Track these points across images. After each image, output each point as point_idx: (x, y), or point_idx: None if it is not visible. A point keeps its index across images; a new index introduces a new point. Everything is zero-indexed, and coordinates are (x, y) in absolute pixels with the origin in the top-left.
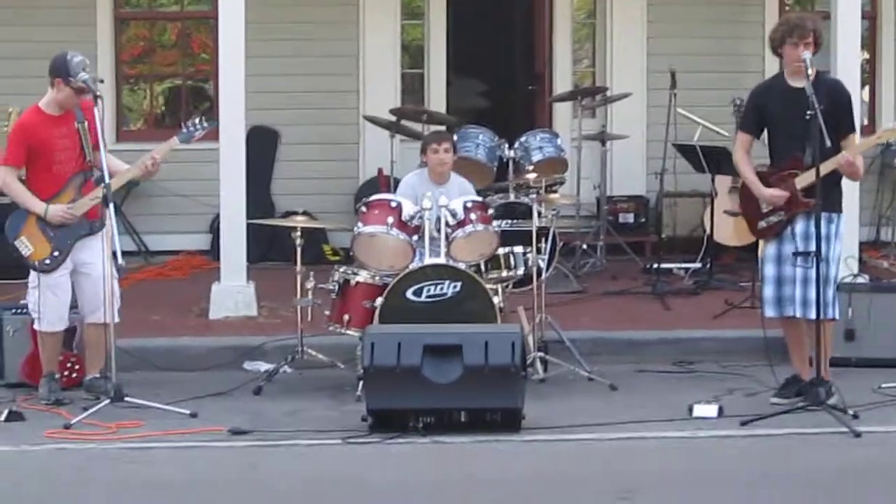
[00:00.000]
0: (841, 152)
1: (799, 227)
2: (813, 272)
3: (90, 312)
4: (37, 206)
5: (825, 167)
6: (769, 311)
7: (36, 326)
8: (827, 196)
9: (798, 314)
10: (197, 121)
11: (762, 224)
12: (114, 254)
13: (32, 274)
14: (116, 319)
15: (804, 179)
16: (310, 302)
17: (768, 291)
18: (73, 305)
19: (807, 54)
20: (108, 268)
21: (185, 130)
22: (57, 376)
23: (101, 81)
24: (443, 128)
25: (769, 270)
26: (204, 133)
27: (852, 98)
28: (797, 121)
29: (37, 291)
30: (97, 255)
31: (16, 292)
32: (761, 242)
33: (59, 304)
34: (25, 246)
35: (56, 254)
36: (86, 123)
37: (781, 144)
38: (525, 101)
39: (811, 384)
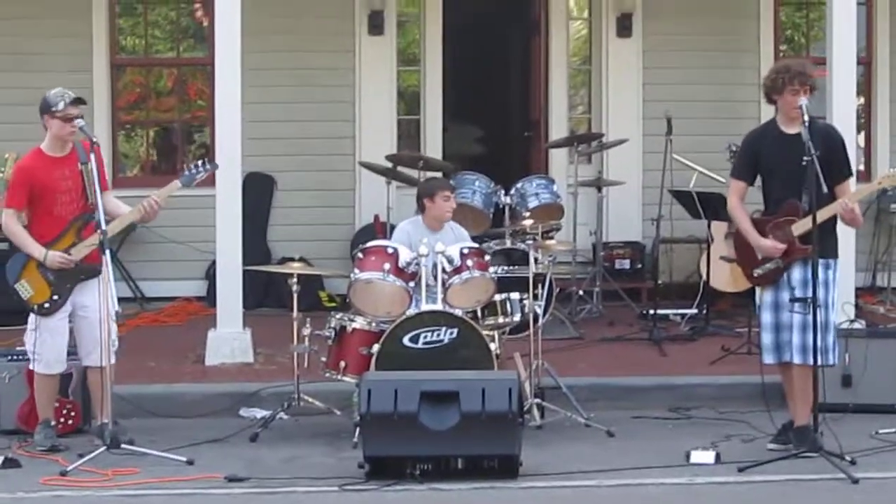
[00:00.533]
0: (837, 199)
1: (796, 273)
2: (810, 318)
3: (86, 355)
4: (36, 250)
5: (823, 213)
6: (767, 359)
7: (33, 367)
8: (824, 242)
9: (797, 360)
10: (199, 164)
11: (758, 271)
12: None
13: (32, 316)
14: (112, 361)
15: (802, 226)
16: (306, 348)
17: (766, 338)
18: (72, 351)
19: (803, 100)
20: (104, 311)
21: (186, 173)
22: (53, 423)
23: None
24: (439, 174)
25: (766, 317)
26: (206, 176)
27: (846, 143)
28: (792, 167)
29: (35, 334)
30: (96, 299)
31: (11, 338)
32: (758, 289)
33: (57, 346)
34: (25, 289)
35: (55, 297)
36: (89, 164)
37: (776, 191)
38: (521, 148)
39: (806, 430)
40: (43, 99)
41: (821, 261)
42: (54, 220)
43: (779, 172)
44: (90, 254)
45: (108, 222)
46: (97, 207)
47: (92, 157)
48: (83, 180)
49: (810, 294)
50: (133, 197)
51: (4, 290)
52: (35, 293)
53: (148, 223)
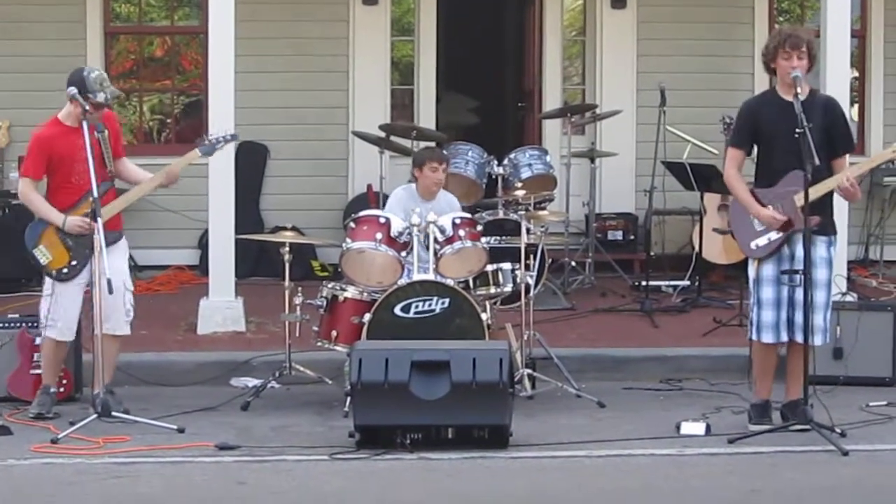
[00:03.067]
0: (835, 172)
1: (799, 248)
2: (819, 297)
3: (102, 321)
4: (55, 216)
5: (825, 185)
6: (766, 337)
7: (44, 334)
8: (826, 218)
9: (799, 339)
10: (220, 135)
11: (756, 243)
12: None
13: (48, 282)
14: (127, 331)
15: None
16: (298, 317)
17: (767, 315)
18: None
19: (797, 71)
20: (103, 281)
21: (206, 143)
22: (52, 390)
23: (119, 96)
24: (433, 144)
25: (767, 293)
26: (225, 146)
27: (847, 116)
28: (793, 136)
29: (50, 299)
30: (113, 266)
31: (5, 304)
32: (752, 262)
33: (70, 314)
34: (44, 254)
35: (74, 263)
36: (106, 133)
37: (776, 159)
38: (514, 118)
39: (797, 403)
40: (82, 75)
41: (823, 238)
42: (72, 188)
43: (779, 141)
44: (109, 221)
45: (128, 188)
46: (120, 174)
47: (85, 126)
48: (101, 148)
49: (810, 269)
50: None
51: (1, 258)
52: (54, 258)
53: (168, 187)
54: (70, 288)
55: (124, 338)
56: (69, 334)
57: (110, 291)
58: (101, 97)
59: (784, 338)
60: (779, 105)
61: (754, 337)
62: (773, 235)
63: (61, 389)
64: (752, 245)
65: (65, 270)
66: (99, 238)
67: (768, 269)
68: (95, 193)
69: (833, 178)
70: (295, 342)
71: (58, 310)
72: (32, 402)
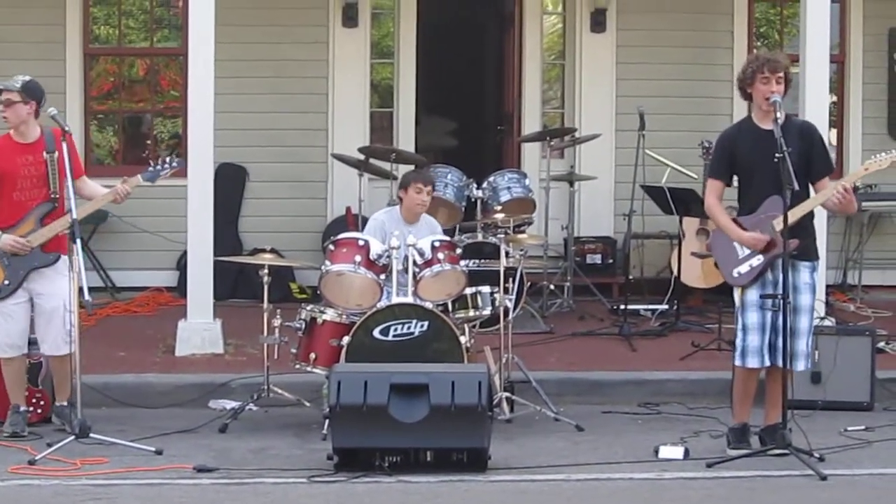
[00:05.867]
0: (813, 193)
1: (780, 273)
2: (802, 323)
3: (41, 342)
4: None
5: (812, 203)
6: (752, 362)
7: None
8: (808, 243)
9: (780, 363)
10: (164, 161)
11: (738, 271)
12: (80, 290)
13: None
14: (66, 351)
15: (791, 216)
16: (276, 340)
17: (752, 340)
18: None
19: (776, 96)
20: (73, 300)
21: (150, 169)
22: (22, 409)
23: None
24: (412, 167)
25: (752, 318)
26: (171, 173)
27: (824, 139)
28: (771, 163)
29: None
30: (51, 288)
31: None
32: (737, 288)
33: (9, 331)
34: None
35: (7, 283)
36: (55, 154)
37: (755, 188)
38: (494, 142)
39: (776, 428)
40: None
41: (806, 263)
42: (14, 206)
43: (757, 169)
44: (49, 242)
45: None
46: (68, 196)
47: (64, 146)
48: (47, 168)
49: (789, 294)
50: (105, 186)
51: None
52: None
53: (119, 204)
54: (7, 306)
55: (67, 357)
56: (10, 351)
57: (89, 311)
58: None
59: (768, 362)
60: (755, 133)
61: (739, 363)
62: (755, 262)
63: (38, 411)
64: (735, 272)
65: None
66: (78, 259)
67: (753, 295)
68: (75, 215)
69: (816, 197)
70: (273, 364)
71: None
72: (4, 423)
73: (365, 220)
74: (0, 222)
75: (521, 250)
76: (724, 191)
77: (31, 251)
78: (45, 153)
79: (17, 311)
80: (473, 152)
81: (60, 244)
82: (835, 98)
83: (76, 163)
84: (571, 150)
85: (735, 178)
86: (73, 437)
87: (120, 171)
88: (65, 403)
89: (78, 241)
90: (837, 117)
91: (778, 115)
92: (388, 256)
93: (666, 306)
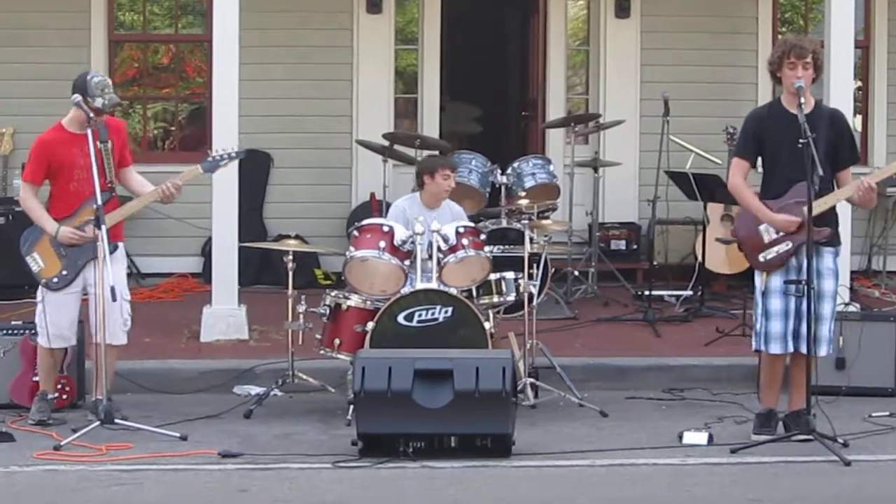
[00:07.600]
0: (839, 184)
1: (807, 260)
2: (825, 308)
3: (97, 332)
4: (49, 225)
5: (835, 197)
6: (774, 348)
7: (37, 341)
8: (833, 230)
9: (803, 349)
10: (223, 151)
11: (766, 255)
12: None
13: (40, 289)
14: (124, 341)
15: (816, 207)
16: (301, 326)
17: (775, 327)
18: None
19: (800, 81)
20: (106, 290)
21: (209, 159)
22: (49, 396)
23: (118, 104)
24: (436, 153)
25: (775, 304)
26: (229, 163)
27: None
28: (796, 148)
29: (41, 307)
30: (112, 276)
31: (7, 312)
32: (760, 274)
33: (58, 322)
34: (36, 262)
35: (65, 273)
36: (109, 143)
37: (780, 171)
38: (518, 127)
39: (800, 413)
40: (85, 78)
41: (829, 249)
42: (70, 196)
43: (784, 153)
44: (109, 230)
45: (130, 199)
46: (124, 184)
47: (89, 133)
48: (103, 157)
49: (816, 281)
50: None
51: (3, 266)
52: (46, 267)
53: (167, 204)
54: (61, 297)
55: (123, 346)
56: (59, 342)
57: (114, 299)
58: (98, 102)
59: (791, 349)
60: (783, 117)
61: (762, 348)
62: (782, 248)
63: (64, 397)
64: (761, 257)
65: (55, 280)
66: (103, 246)
67: (776, 281)
68: (99, 201)
69: (841, 191)
70: (298, 350)
71: (48, 318)
72: (31, 409)
73: (389, 206)
74: (58, 212)
75: (546, 236)
76: (749, 171)
77: (86, 241)
78: (100, 142)
79: (68, 301)
80: (498, 138)
81: (117, 233)
82: (859, 83)
83: (126, 152)
84: (596, 136)
85: (759, 161)
86: (98, 423)
87: (145, 158)
88: (101, 398)
89: (104, 228)
90: (862, 103)
91: (802, 100)
92: (413, 242)
93: (690, 292)
